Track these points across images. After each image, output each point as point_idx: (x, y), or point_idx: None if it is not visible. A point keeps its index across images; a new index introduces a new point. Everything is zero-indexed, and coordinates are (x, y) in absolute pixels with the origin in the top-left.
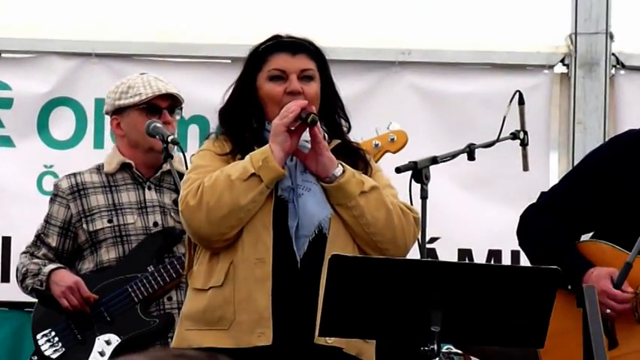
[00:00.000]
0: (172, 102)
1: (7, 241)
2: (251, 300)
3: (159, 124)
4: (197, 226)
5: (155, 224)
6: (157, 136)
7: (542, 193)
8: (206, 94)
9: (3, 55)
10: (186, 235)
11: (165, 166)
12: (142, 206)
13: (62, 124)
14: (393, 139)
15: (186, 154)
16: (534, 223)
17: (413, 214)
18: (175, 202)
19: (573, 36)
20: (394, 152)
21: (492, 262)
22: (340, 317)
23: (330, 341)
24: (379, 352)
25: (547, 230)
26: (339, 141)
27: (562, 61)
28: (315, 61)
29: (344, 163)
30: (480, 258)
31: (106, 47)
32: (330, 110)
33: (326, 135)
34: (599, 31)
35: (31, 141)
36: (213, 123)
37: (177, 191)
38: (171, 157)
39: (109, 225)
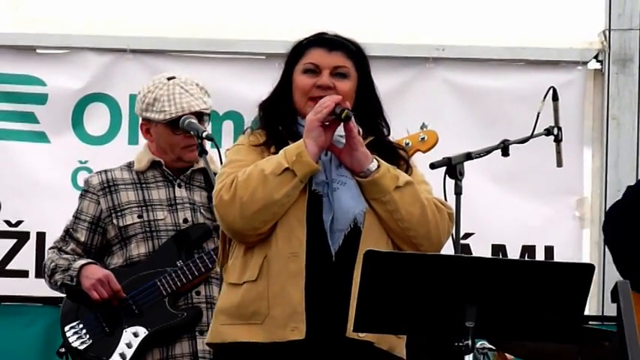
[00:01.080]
0: (198, 112)
1: (41, 236)
2: (285, 294)
3: (193, 120)
4: (231, 220)
5: (185, 221)
6: (192, 132)
7: (629, 188)
8: (241, 90)
9: (38, 50)
10: (221, 230)
11: (196, 165)
12: (171, 203)
13: (97, 119)
14: (423, 139)
15: (220, 149)
16: (622, 222)
17: (447, 210)
18: (209, 198)
19: (607, 32)
20: (424, 152)
21: (526, 258)
22: (374, 313)
23: (362, 335)
24: (409, 348)
25: (633, 233)
26: (372, 137)
27: (596, 57)
28: (353, 59)
29: (379, 158)
30: (513, 254)
31: (141, 43)
32: (368, 109)
33: (360, 130)
34: (632, 27)
35: (66, 137)
36: (248, 119)
37: (207, 189)
38: (206, 152)
39: (139, 220)
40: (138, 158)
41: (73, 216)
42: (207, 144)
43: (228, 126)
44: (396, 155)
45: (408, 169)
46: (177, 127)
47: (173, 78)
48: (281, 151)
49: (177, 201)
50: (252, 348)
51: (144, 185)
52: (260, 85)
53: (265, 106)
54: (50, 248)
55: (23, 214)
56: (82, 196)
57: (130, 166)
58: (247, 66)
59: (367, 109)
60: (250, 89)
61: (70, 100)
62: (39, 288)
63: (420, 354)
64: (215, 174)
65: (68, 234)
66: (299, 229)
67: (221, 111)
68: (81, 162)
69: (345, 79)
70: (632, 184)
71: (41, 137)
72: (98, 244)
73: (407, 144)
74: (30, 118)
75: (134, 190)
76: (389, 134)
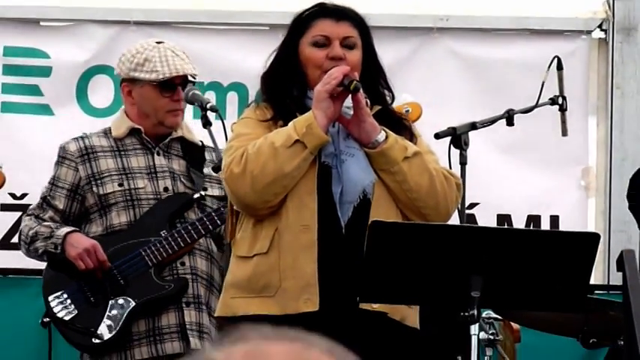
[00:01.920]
0: (186, 77)
1: None
2: (297, 266)
3: (197, 92)
4: (242, 193)
5: (165, 189)
6: (196, 103)
7: None
8: (245, 61)
9: (42, 23)
10: (229, 203)
11: (174, 134)
12: (151, 171)
13: (101, 92)
14: (407, 111)
15: (225, 121)
16: None
17: (455, 180)
18: (188, 168)
19: (611, 1)
20: None
21: (532, 227)
22: (380, 283)
23: (376, 306)
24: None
25: None
26: (379, 107)
27: (600, 26)
28: (358, 29)
29: (387, 129)
30: (519, 223)
31: (145, 15)
32: (372, 78)
33: (368, 102)
34: None
35: (70, 109)
36: (252, 90)
37: (185, 158)
38: (210, 124)
39: (119, 189)
40: (115, 125)
41: (50, 183)
42: (212, 115)
43: (232, 97)
44: (402, 125)
45: (412, 138)
46: (165, 89)
47: (162, 42)
48: (290, 123)
49: (157, 169)
50: (265, 321)
51: (123, 153)
52: (264, 56)
53: (270, 80)
54: (26, 215)
55: (28, 186)
56: (58, 163)
57: (107, 132)
58: (251, 37)
59: (372, 78)
60: (254, 60)
61: (74, 72)
62: (21, 259)
63: (426, 323)
64: (196, 144)
65: (45, 201)
66: (310, 201)
67: (225, 82)
68: (85, 134)
69: (353, 50)
70: (638, 152)
71: (45, 110)
72: (76, 212)
73: None
74: (34, 90)
75: (113, 157)
76: (393, 102)
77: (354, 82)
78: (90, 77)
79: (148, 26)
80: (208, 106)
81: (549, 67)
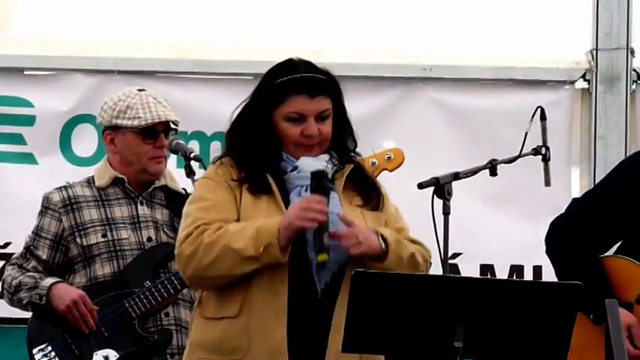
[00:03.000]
0: (168, 125)
1: None
2: (267, 331)
3: (181, 141)
4: (186, 274)
5: (149, 239)
6: (180, 153)
7: (574, 200)
8: (228, 111)
9: (25, 72)
10: None
11: (157, 182)
12: (135, 221)
13: (84, 141)
14: (389, 158)
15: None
16: (563, 236)
17: (428, 255)
18: (171, 217)
19: (594, 52)
20: (391, 170)
21: (514, 278)
22: (363, 333)
23: None
24: None
25: (574, 247)
26: (352, 165)
27: (583, 76)
28: (331, 97)
29: (378, 229)
30: (502, 273)
31: (128, 64)
32: (342, 137)
33: (335, 163)
34: (619, 47)
35: (54, 158)
36: None
37: (168, 207)
38: (194, 173)
39: (103, 240)
40: (98, 174)
41: (33, 232)
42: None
43: (216, 147)
44: (372, 185)
45: (379, 198)
46: (147, 136)
47: (144, 90)
48: (253, 228)
49: (140, 219)
50: None
51: (106, 202)
52: None
53: (240, 139)
54: (9, 264)
55: (11, 235)
56: (42, 213)
57: (90, 182)
58: (235, 87)
59: (342, 134)
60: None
61: (58, 121)
62: (5, 309)
63: None
64: (179, 192)
65: (29, 251)
66: (281, 268)
67: (209, 132)
68: (69, 183)
69: (326, 120)
70: None
71: (29, 159)
72: (60, 262)
73: (373, 163)
74: (18, 139)
75: (97, 207)
76: (355, 147)
77: (324, 246)
78: (73, 126)
79: (131, 75)
80: (192, 155)
81: (532, 117)
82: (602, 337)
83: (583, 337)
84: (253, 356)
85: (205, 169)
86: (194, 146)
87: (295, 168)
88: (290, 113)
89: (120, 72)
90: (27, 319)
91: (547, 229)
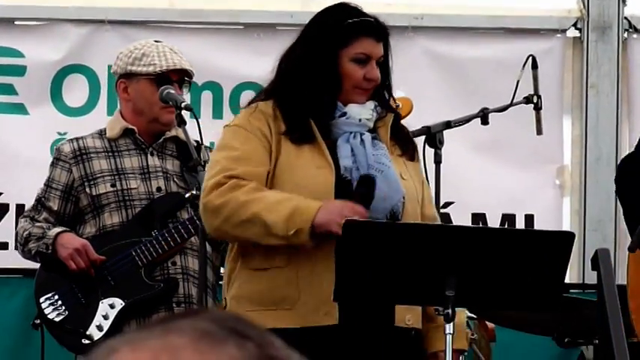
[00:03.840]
0: (183, 75)
1: (20, 208)
2: (316, 280)
3: (172, 91)
4: (211, 227)
5: (158, 189)
6: (171, 102)
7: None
8: (219, 61)
9: (16, 22)
10: None
11: (168, 133)
12: (144, 172)
13: (75, 91)
14: (398, 107)
15: (199, 120)
16: (630, 177)
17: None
18: (182, 167)
19: (585, 0)
20: (400, 119)
21: (506, 226)
22: (355, 282)
23: (410, 323)
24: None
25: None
26: (393, 114)
27: (574, 25)
28: (385, 45)
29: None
30: (493, 222)
31: (119, 14)
32: (385, 85)
33: (378, 111)
34: None
35: (45, 108)
36: (227, 89)
37: (179, 158)
38: (185, 122)
39: (112, 189)
40: (110, 125)
41: (45, 184)
42: (187, 114)
43: (207, 97)
44: (407, 137)
45: (415, 152)
46: (162, 84)
47: (160, 41)
48: (291, 208)
49: (150, 169)
50: (283, 334)
51: (116, 153)
52: (239, 55)
53: (293, 79)
54: (22, 217)
55: (2, 186)
56: (53, 164)
57: (101, 133)
58: (226, 36)
59: (385, 83)
60: (229, 60)
61: (49, 71)
62: (19, 259)
63: None
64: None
65: (40, 203)
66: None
67: (200, 81)
68: (60, 134)
69: (380, 66)
70: (613, 151)
71: (20, 109)
72: (71, 213)
73: None
74: (8, 90)
75: (106, 158)
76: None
77: None
78: (64, 76)
79: (122, 25)
80: (183, 105)
81: (524, 65)
82: None
83: None
84: (303, 305)
85: (197, 118)
86: (185, 96)
87: (344, 114)
88: (359, 54)
89: (110, 22)
90: (24, 269)
91: (615, 170)
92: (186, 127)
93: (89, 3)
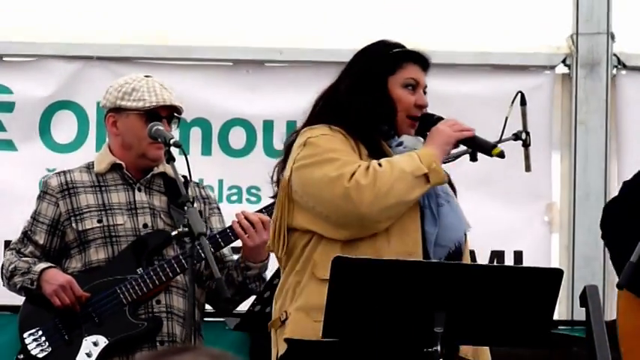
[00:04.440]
0: (172, 111)
1: (9, 244)
2: None
3: (161, 127)
4: (360, 203)
5: (145, 226)
6: (160, 139)
7: (624, 183)
8: (208, 97)
9: (4, 58)
10: (279, 217)
11: (156, 169)
12: (131, 207)
13: (64, 127)
14: None
15: (188, 156)
16: (615, 222)
17: None
18: (168, 204)
19: (575, 36)
20: None
21: (495, 263)
22: (344, 318)
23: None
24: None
25: (625, 231)
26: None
27: (564, 61)
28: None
29: None
30: (482, 258)
31: (107, 50)
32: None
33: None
34: (600, 32)
35: (33, 145)
36: (215, 125)
37: (166, 194)
38: (174, 159)
39: (98, 225)
40: (98, 159)
41: (31, 217)
42: (175, 151)
43: (195, 133)
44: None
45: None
46: (150, 120)
47: (150, 76)
48: (411, 155)
49: (137, 205)
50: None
51: (103, 188)
52: (228, 91)
53: (358, 110)
54: (9, 249)
55: None
56: (40, 198)
57: (89, 167)
58: (214, 72)
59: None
60: (218, 96)
61: (37, 107)
62: (8, 296)
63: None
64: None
65: (26, 236)
66: (414, 231)
67: (189, 118)
68: (49, 170)
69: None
70: (601, 188)
71: (8, 145)
72: (57, 247)
73: None
74: None
75: (93, 193)
76: None
77: (501, 150)
78: (53, 113)
79: (110, 62)
80: (172, 141)
81: (513, 102)
82: None
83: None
84: None
85: (185, 155)
86: (174, 132)
87: (401, 143)
88: (408, 79)
89: (99, 58)
90: (13, 305)
91: (601, 214)
92: (175, 163)
93: (78, 39)
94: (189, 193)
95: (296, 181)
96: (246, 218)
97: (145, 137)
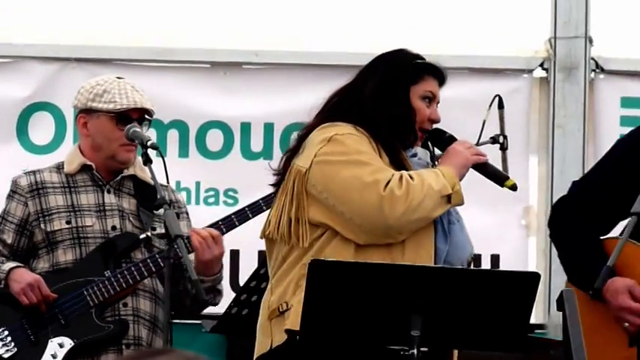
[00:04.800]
0: (143, 114)
1: None
2: None
3: (138, 129)
4: (391, 214)
5: (113, 228)
6: (137, 140)
7: (574, 183)
8: (185, 99)
9: None
10: (299, 205)
11: (126, 171)
12: (100, 209)
13: (41, 129)
14: None
15: (165, 158)
16: (563, 219)
17: None
18: (138, 206)
19: (552, 40)
20: None
21: (472, 267)
22: (321, 321)
23: None
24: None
25: (574, 229)
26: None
27: (541, 65)
28: None
29: None
30: None
31: (86, 52)
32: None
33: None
34: (578, 35)
35: (11, 146)
36: (193, 127)
37: (135, 196)
38: (151, 161)
39: (67, 226)
40: (68, 160)
41: (0, 216)
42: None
43: (173, 135)
44: None
45: None
46: (121, 122)
47: (122, 78)
48: (437, 173)
49: (106, 207)
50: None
51: (73, 189)
52: (205, 94)
53: (389, 117)
54: None
55: None
56: (9, 197)
57: (59, 167)
58: (191, 74)
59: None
60: (195, 98)
61: (15, 109)
62: None
63: None
64: (148, 182)
65: None
66: (428, 244)
67: (166, 120)
68: (25, 171)
69: None
70: None
71: None
72: (25, 247)
73: None
74: None
75: (63, 194)
76: None
77: (514, 182)
78: (31, 114)
79: (88, 63)
80: (149, 143)
81: (490, 105)
82: (609, 314)
83: (591, 317)
84: None
85: (163, 157)
86: (151, 134)
87: (415, 154)
88: (427, 92)
89: (77, 59)
90: None
91: (550, 213)
92: (152, 165)
93: (56, 41)
94: (167, 195)
95: (317, 175)
96: (198, 234)
97: (115, 139)
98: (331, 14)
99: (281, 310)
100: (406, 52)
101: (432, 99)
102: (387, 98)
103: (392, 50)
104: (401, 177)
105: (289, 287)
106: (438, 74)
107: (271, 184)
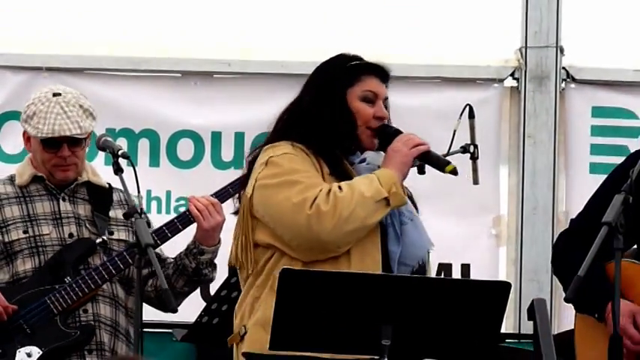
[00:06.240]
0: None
1: None
2: None
3: (109, 138)
4: (321, 230)
5: (71, 235)
6: (108, 150)
7: (572, 220)
8: (156, 108)
9: None
10: (242, 236)
11: (80, 179)
12: (56, 217)
13: (13, 138)
14: None
15: (136, 167)
16: (565, 254)
17: None
18: (93, 212)
19: (523, 49)
20: None
21: (442, 276)
22: (291, 331)
23: None
24: None
25: (576, 263)
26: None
27: (512, 74)
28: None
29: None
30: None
31: (57, 61)
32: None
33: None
34: (549, 45)
35: None
36: (164, 137)
37: (90, 202)
38: (122, 170)
39: (24, 236)
40: (19, 172)
41: None
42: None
43: (144, 144)
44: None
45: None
46: (49, 146)
47: (59, 95)
48: (371, 178)
49: (62, 215)
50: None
51: (28, 199)
52: (176, 103)
53: (322, 126)
54: None
55: None
56: None
57: (12, 179)
58: (162, 84)
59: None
60: (166, 108)
61: None
62: None
63: None
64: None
65: None
66: (374, 251)
67: (137, 129)
68: None
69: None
70: (549, 201)
71: None
72: None
73: None
74: None
75: (18, 204)
76: None
77: (454, 167)
78: (2, 123)
79: (60, 73)
80: (120, 152)
81: (461, 115)
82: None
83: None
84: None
85: (133, 166)
86: (122, 143)
87: (364, 160)
88: (366, 91)
89: (48, 69)
90: None
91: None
92: (123, 174)
93: (27, 50)
94: (115, 198)
95: (257, 200)
96: (198, 202)
97: (46, 161)
98: (302, 25)
99: (241, 334)
100: (342, 56)
101: (374, 98)
102: (324, 106)
103: (331, 57)
104: (329, 191)
105: (246, 310)
106: (379, 72)
107: (232, 213)
